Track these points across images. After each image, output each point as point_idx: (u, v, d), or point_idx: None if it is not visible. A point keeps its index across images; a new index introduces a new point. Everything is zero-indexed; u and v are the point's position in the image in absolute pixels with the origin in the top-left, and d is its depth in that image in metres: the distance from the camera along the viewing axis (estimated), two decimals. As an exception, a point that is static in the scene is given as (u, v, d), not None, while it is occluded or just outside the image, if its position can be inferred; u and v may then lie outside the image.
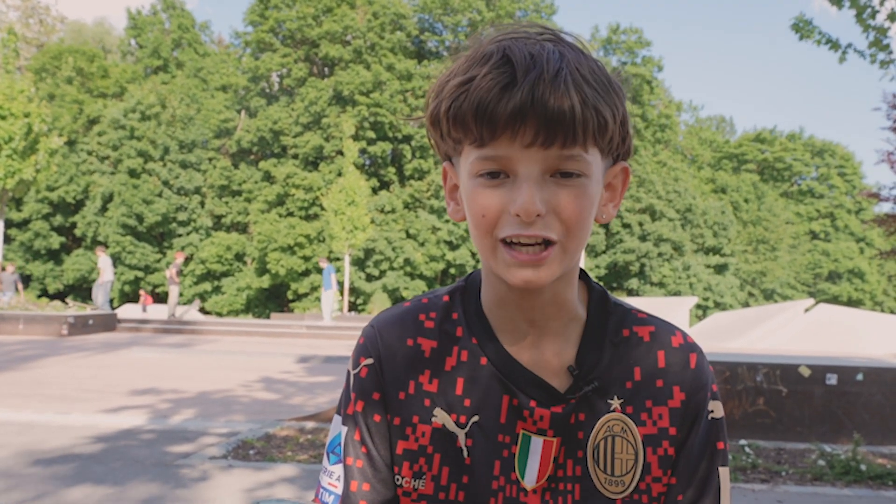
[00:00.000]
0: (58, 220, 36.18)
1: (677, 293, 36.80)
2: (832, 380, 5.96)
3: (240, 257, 36.61)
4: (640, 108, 40.61)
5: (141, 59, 42.01)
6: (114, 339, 14.33)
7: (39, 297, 32.48)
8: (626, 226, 37.52)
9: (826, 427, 5.94)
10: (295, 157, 36.46)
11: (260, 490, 4.19)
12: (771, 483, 4.68)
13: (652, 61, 41.59)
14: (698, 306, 37.32)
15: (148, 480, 4.30)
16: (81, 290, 35.41)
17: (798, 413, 5.97)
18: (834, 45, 6.62)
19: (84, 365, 10.03)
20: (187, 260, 34.41)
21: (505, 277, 0.82)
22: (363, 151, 35.57)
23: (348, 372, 0.96)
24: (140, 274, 35.34)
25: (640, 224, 37.50)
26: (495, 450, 0.89)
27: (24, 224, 35.75)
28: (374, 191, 35.48)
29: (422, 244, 34.78)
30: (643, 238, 37.58)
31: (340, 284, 25.95)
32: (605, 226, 36.11)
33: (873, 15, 6.20)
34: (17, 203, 34.69)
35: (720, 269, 41.14)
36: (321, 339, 16.52)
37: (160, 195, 35.34)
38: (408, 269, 34.44)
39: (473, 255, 33.16)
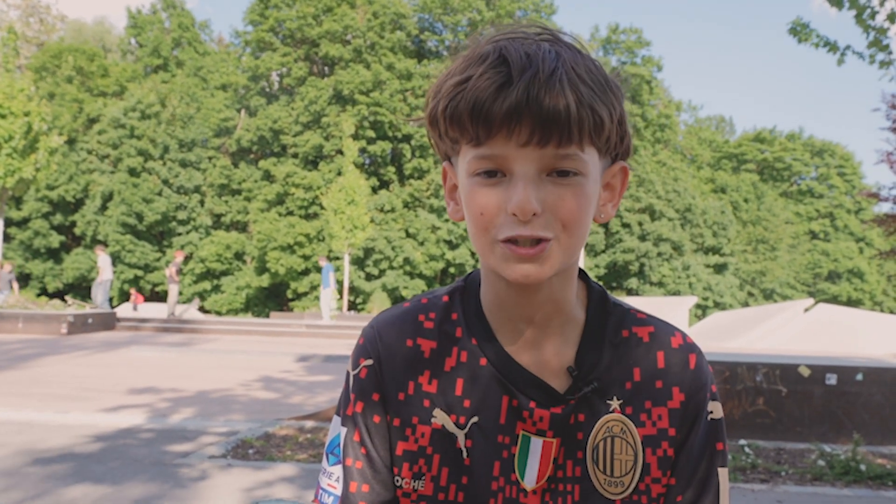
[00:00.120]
0: (57, 218, 36.17)
1: (677, 293, 36.81)
2: (832, 380, 5.96)
3: (239, 256, 36.61)
4: (640, 107, 40.60)
5: (141, 58, 42.00)
6: (113, 338, 14.32)
7: (39, 295, 32.49)
8: (626, 225, 37.52)
9: (826, 427, 5.94)
10: (295, 156, 36.46)
11: (259, 489, 4.19)
12: (770, 483, 4.68)
13: (651, 61, 41.59)
14: (698, 306, 37.34)
15: (147, 480, 4.30)
16: (81, 288, 35.41)
17: (798, 413, 5.97)
18: (832, 47, 6.60)
19: (83, 364, 10.02)
20: (187, 259, 34.41)
21: (503, 273, 0.82)
22: (363, 151, 35.56)
23: (348, 373, 0.96)
24: (140, 273, 35.33)
25: (640, 224, 37.51)
26: (495, 451, 0.89)
27: (23, 223, 35.74)
28: (374, 190, 35.47)
29: (421, 243, 34.78)
30: (643, 238, 37.59)
31: (340, 283, 25.96)
32: (605, 225, 36.10)
33: (873, 15, 6.19)
34: (17, 202, 34.68)
35: (720, 268, 41.16)
36: (321, 339, 16.52)
37: (160, 194, 35.34)
38: (407, 268, 34.44)
39: (473, 254, 33.15)
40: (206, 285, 35.86)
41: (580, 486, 0.89)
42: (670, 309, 21.31)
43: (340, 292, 24.49)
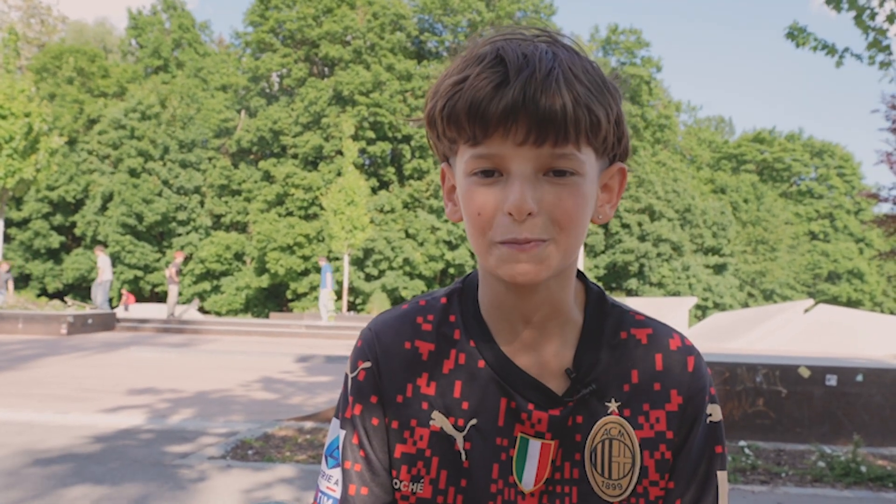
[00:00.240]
0: (58, 219, 36.17)
1: (676, 293, 36.81)
2: (832, 381, 5.96)
3: (239, 257, 36.61)
4: (640, 108, 40.61)
5: (141, 59, 42.01)
6: (113, 339, 14.32)
7: (39, 296, 32.48)
8: (626, 226, 37.52)
9: (826, 428, 5.94)
10: (294, 156, 36.46)
11: (258, 490, 4.18)
12: (770, 484, 4.68)
13: (651, 62, 41.58)
14: (697, 307, 37.33)
15: (146, 480, 4.30)
16: (81, 289, 35.40)
17: (798, 414, 5.96)
18: (830, 50, 6.60)
19: (83, 364, 10.02)
20: (187, 259, 34.41)
21: (501, 274, 0.82)
22: (363, 151, 35.56)
23: (346, 375, 0.96)
24: (139, 273, 35.34)
25: (640, 224, 37.51)
26: (493, 453, 0.89)
27: (23, 223, 35.74)
28: (374, 191, 35.47)
29: (421, 244, 34.78)
30: (642, 238, 37.59)
31: (339, 284, 25.95)
32: (604, 226, 36.10)
33: (872, 16, 6.19)
34: (17, 202, 34.68)
35: (719, 269, 41.15)
36: (320, 339, 16.52)
37: (160, 195, 35.33)
38: (407, 268, 34.43)
39: (472, 255, 33.14)
40: (206, 286, 35.86)
41: (578, 489, 0.88)
42: (670, 309, 21.30)
43: (340, 293, 24.46)
